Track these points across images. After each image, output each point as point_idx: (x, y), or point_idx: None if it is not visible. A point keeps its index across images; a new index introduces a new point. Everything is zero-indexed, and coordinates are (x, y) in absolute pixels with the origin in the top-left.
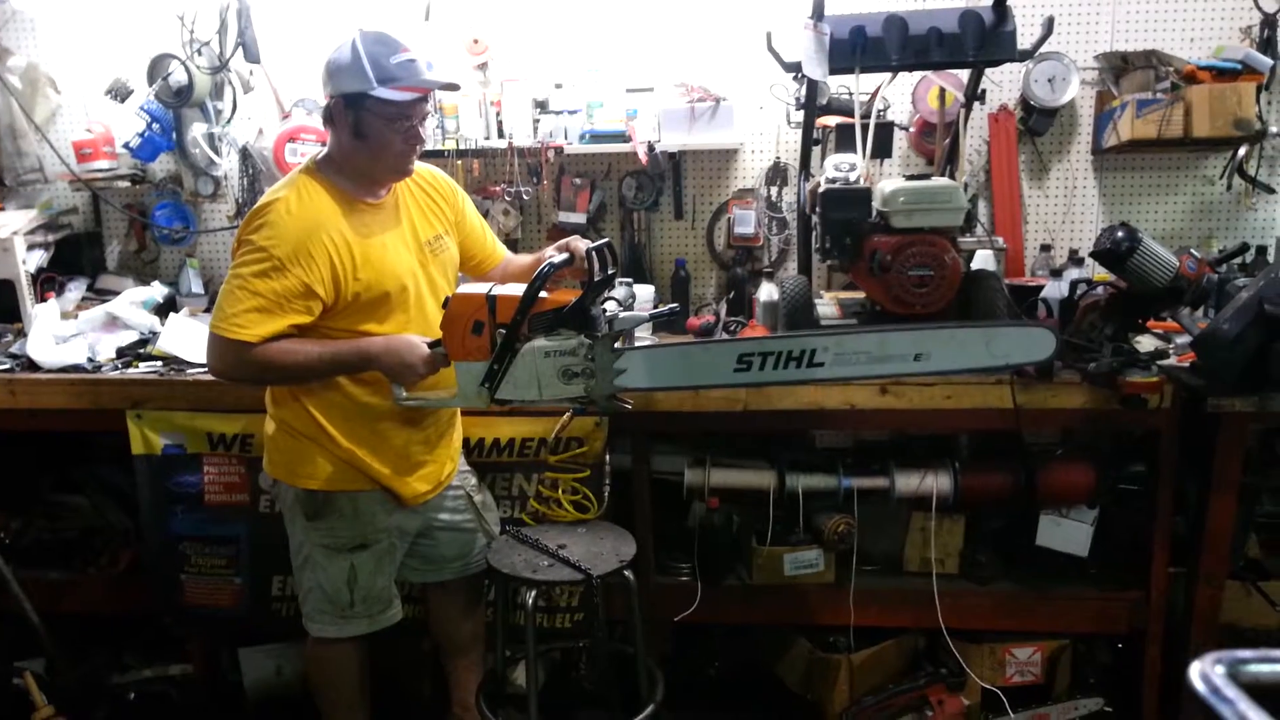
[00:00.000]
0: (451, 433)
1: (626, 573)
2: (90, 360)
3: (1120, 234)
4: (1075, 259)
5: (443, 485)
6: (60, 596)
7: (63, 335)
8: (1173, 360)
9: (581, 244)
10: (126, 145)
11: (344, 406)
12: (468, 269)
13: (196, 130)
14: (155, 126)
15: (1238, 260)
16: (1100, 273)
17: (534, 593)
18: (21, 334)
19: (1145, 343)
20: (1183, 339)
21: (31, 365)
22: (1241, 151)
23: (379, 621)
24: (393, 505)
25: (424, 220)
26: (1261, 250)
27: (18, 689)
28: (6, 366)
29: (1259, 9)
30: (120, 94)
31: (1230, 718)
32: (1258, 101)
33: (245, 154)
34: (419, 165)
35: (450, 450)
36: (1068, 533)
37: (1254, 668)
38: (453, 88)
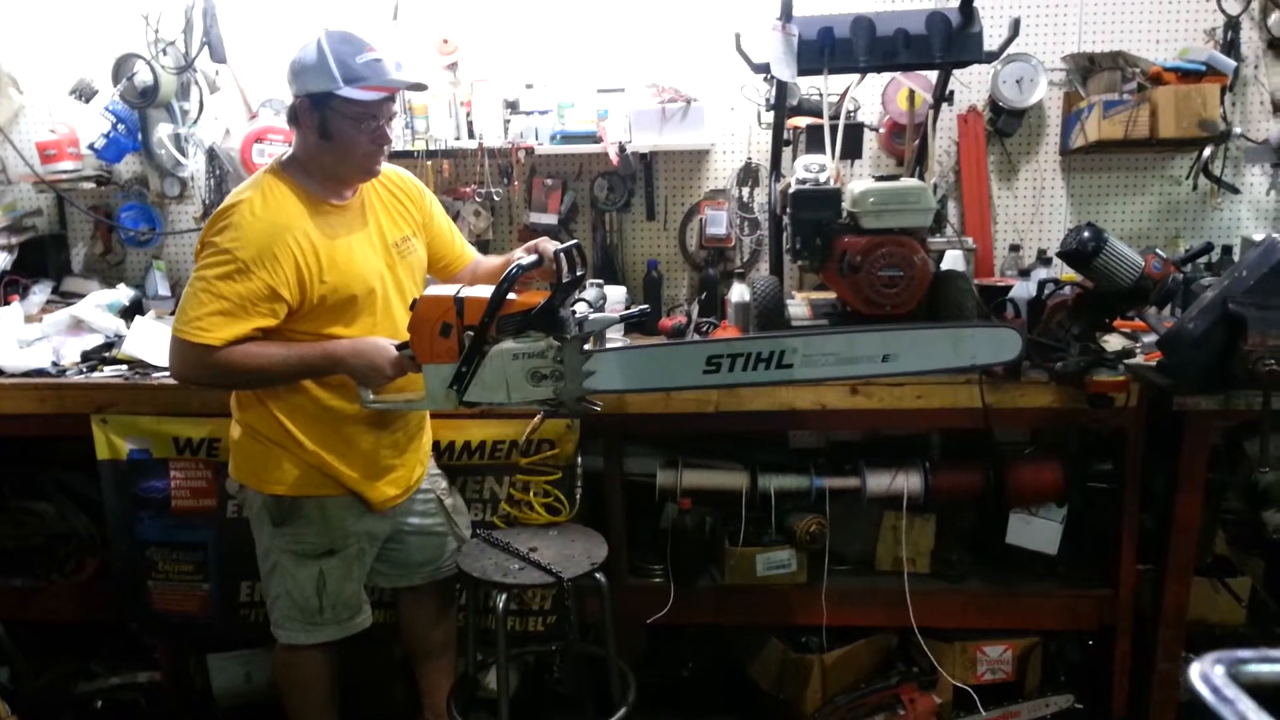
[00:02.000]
0: (421, 436)
1: (598, 575)
2: (55, 364)
3: (1086, 234)
4: (1043, 259)
5: (412, 489)
6: (25, 604)
7: (26, 339)
8: (1139, 359)
9: (550, 245)
10: (91, 146)
11: (310, 410)
12: (436, 271)
13: (162, 131)
14: (120, 127)
15: (1203, 260)
16: (1068, 273)
17: (505, 596)
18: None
19: (1112, 342)
20: (1149, 338)
21: None
22: (1207, 152)
23: (348, 628)
24: (362, 510)
25: (391, 222)
26: (1227, 249)
27: None
28: None
29: (1222, 11)
30: (85, 94)
31: (1230, 718)
32: (1222, 102)
33: (212, 155)
34: (386, 166)
35: (420, 454)
36: (1037, 531)
37: (1254, 668)
38: (420, 88)
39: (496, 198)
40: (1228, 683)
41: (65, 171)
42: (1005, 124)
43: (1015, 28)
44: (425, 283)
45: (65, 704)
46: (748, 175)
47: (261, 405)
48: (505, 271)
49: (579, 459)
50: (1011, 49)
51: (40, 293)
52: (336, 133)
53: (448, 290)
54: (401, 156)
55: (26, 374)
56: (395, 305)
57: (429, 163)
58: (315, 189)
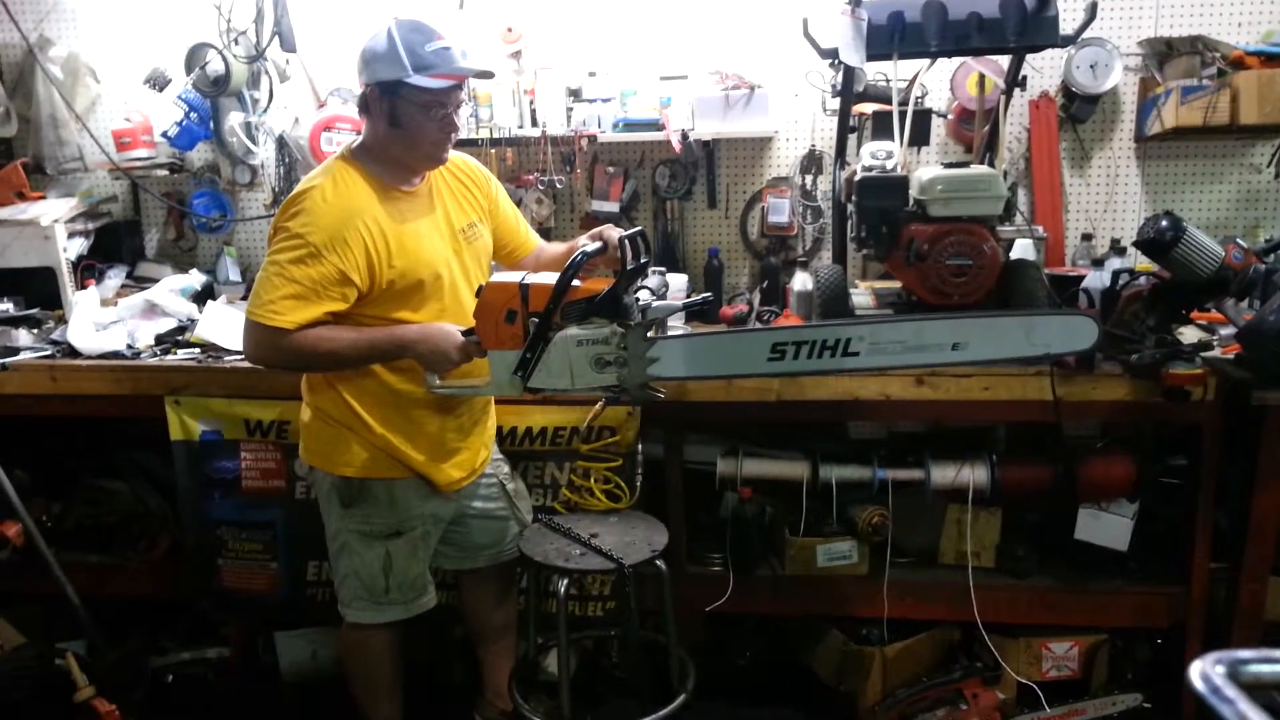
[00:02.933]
0: (485, 420)
1: (658, 562)
2: (129, 347)
3: (1164, 223)
4: (1117, 248)
5: (477, 473)
6: (101, 581)
7: (102, 322)
8: (1217, 352)
9: (614, 232)
10: (165, 134)
11: (379, 393)
12: (500, 257)
13: (233, 119)
14: (193, 115)
15: None
16: (1143, 262)
17: (566, 581)
18: (62, 321)
19: (1189, 334)
20: (1227, 330)
21: (72, 352)
22: None
23: (414, 608)
24: (428, 492)
25: (458, 208)
26: None
27: (60, 669)
28: (48, 353)
29: None
30: (158, 83)
31: (1230, 718)
32: None
33: (281, 143)
34: (453, 154)
35: (484, 438)
36: (1107, 526)
37: (1254, 668)
38: (487, 75)
39: (559, 185)
40: (1227, 682)
41: (140, 159)
42: (1079, 110)
43: (1092, 11)
44: (491, 269)
45: (139, 677)
46: (811, 163)
47: (331, 389)
48: (570, 258)
49: (639, 446)
50: (1086, 34)
51: (115, 277)
52: (406, 120)
53: (513, 277)
54: (466, 145)
55: (102, 356)
56: (462, 290)
57: (493, 150)
58: (384, 175)
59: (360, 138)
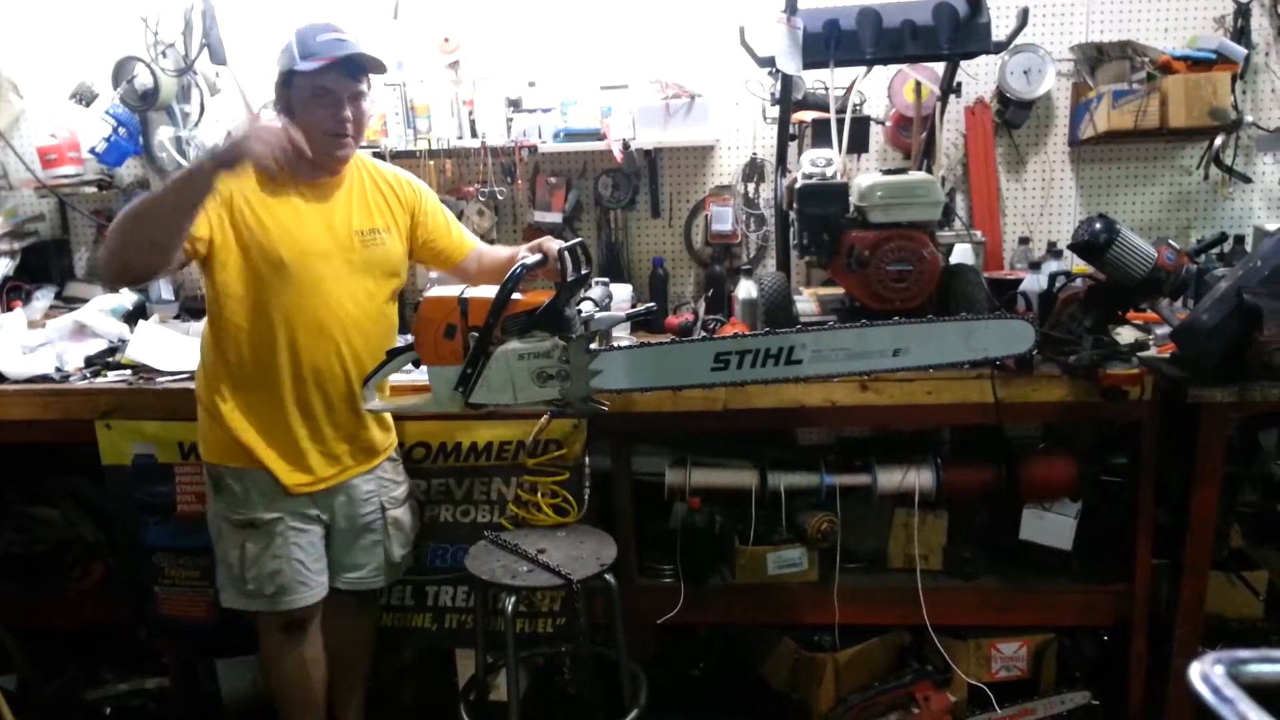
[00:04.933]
0: (360, 432)
1: (608, 576)
2: (58, 370)
3: (1098, 225)
4: (1054, 251)
5: (330, 482)
6: (32, 611)
7: (30, 345)
8: (1153, 351)
9: (554, 244)
10: (93, 150)
11: (236, 377)
12: (439, 262)
13: (163, 134)
14: (121, 131)
15: (1216, 250)
16: (1079, 265)
17: (514, 598)
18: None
19: (1125, 334)
20: (1162, 330)
21: None
22: (1218, 141)
23: (278, 603)
24: (278, 490)
25: (364, 212)
26: (1240, 239)
27: None
28: None
29: None
30: (85, 98)
31: (1230, 718)
32: (1233, 91)
33: None
34: (385, 167)
35: (355, 448)
36: (1051, 526)
37: (1254, 668)
38: (375, 64)
39: (500, 196)
40: (1227, 682)
41: (67, 176)
42: (1013, 115)
43: (1023, 17)
44: (388, 276)
45: (74, 711)
46: (753, 171)
47: (201, 369)
48: (509, 271)
49: (586, 459)
50: (1019, 39)
51: (43, 298)
52: (298, 109)
53: (451, 291)
54: (404, 156)
55: (30, 380)
56: (332, 287)
57: (431, 162)
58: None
59: None
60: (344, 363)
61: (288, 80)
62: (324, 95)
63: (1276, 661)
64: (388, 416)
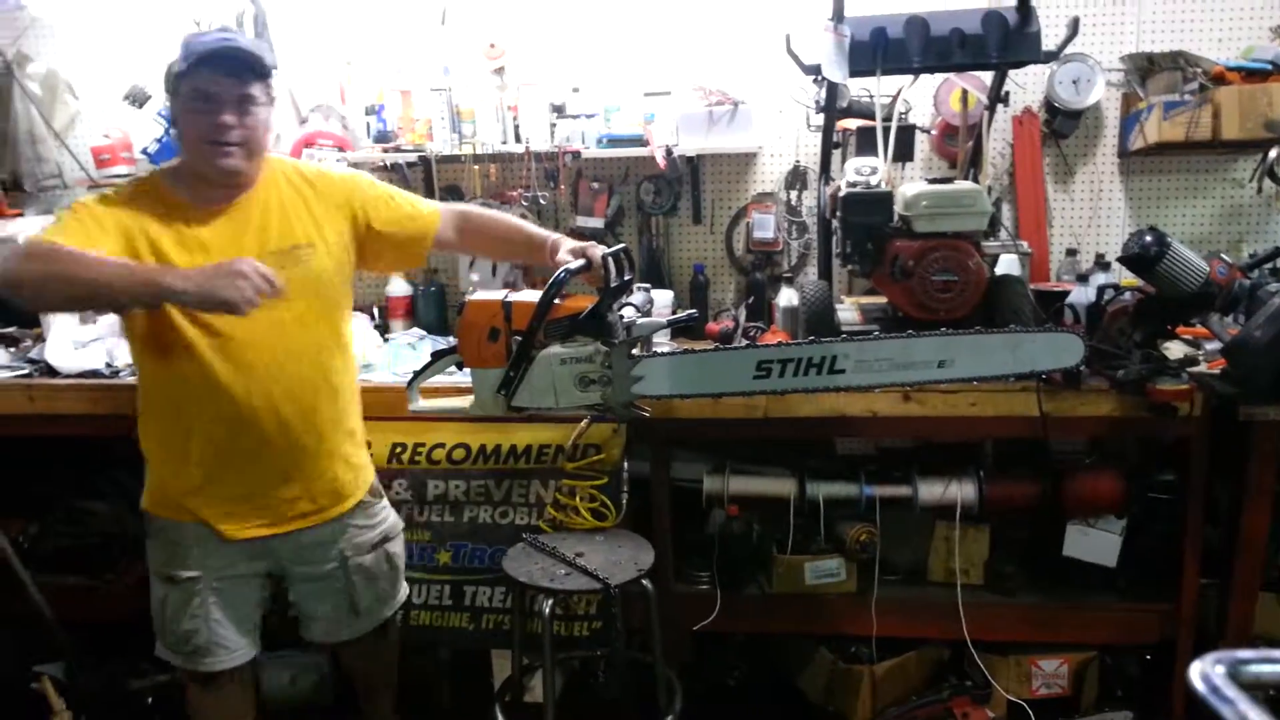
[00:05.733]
0: (313, 473)
1: (645, 582)
2: (108, 365)
3: (1149, 238)
4: (1102, 264)
5: (267, 532)
6: (80, 602)
7: (81, 340)
8: (1203, 367)
9: (598, 250)
10: (145, 151)
11: (159, 420)
12: (408, 249)
13: None
14: (173, 132)
15: (1269, 265)
16: (1128, 278)
17: (551, 601)
18: (40, 339)
19: (1175, 349)
20: (1213, 345)
21: (50, 370)
22: (1272, 154)
23: (195, 664)
24: (213, 543)
25: (283, 229)
26: None
27: (35, 693)
28: (25, 372)
29: None
30: (138, 99)
31: (1230, 718)
32: None
33: None
34: (309, 167)
35: (309, 498)
36: (1095, 543)
37: (1254, 668)
38: (252, 58)
39: (543, 201)
40: (1228, 682)
41: (119, 176)
42: (1061, 125)
43: (1074, 27)
44: (320, 294)
45: (118, 700)
46: (796, 178)
47: (140, 411)
48: (553, 276)
49: (625, 464)
50: (1068, 49)
51: None
52: (181, 118)
53: (495, 295)
54: (449, 161)
55: (81, 375)
56: (251, 321)
57: (476, 167)
58: (184, 193)
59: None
60: (273, 401)
61: (174, 89)
62: (203, 99)
63: (1276, 662)
64: (355, 456)
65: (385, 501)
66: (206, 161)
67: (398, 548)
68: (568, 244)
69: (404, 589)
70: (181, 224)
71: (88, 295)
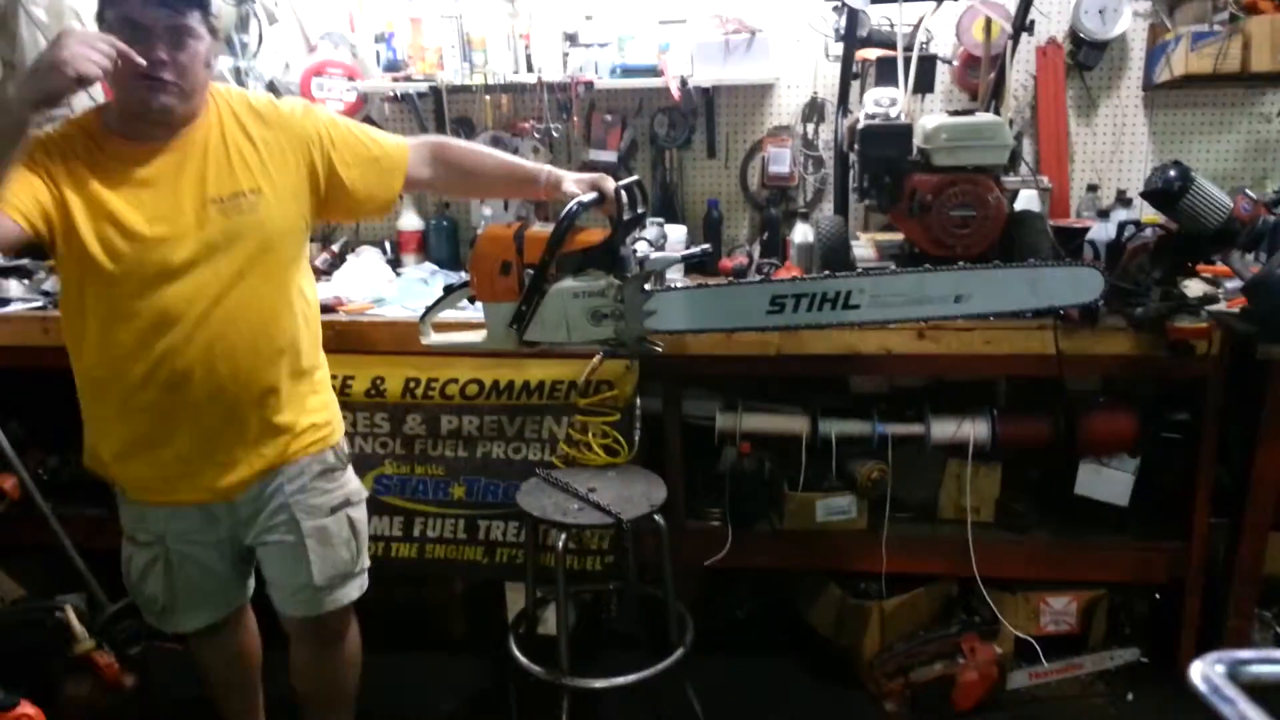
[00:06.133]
0: (263, 439)
1: (657, 517)
2: None
3: (1172, 173)
4: (1123, 200)
5: (222, 497)
6: (99, 533)
7: None
8: (1222, 305)
9: (610, 182)
10: None
11: (90, 379)
12: (384, 189)
13: (222, 64)
14: None
15: None
16: (1149, 214)
17: (565, 536)
18: (53, 271)
19: (1194, 287)
20: (1233, 284)
21: None
22: None
23: (165, 624)
24: (169, 507)
25: (224, 174)
26: None
27: (59, 622)
28: (39, 304)
29: None
30: None
31: (1231, 717)
32: None
33: (272, 88)
34: (262, 100)
35: (255, 456)
36: (1108, 482)
37: (1254, 668)
38: None
39: (555, 134)
40: (1228, 682)
41: None
42: (1086, 57)
43: None
44: (267, 247)
45: (139, 631)
46: (813, 111)
47: (73, 365)
48: (565, 209)
49: (637, 400)
50: None
51: None
52: None
53: (508, 228)
54: (460, 91)
55: None
56: (188, 276)
57: (487, 97)
58: (118, 131)
59: None
60: (212, 360)
61: (101, 15)
62: (131, 28)
63: (1276, 662)
64: (303, 420)
65: (350, 470)
66: (135, 99)
67: (360, 514)
68: (572, 176)
69: (365, 563)
70: (117, 163)
71: None
